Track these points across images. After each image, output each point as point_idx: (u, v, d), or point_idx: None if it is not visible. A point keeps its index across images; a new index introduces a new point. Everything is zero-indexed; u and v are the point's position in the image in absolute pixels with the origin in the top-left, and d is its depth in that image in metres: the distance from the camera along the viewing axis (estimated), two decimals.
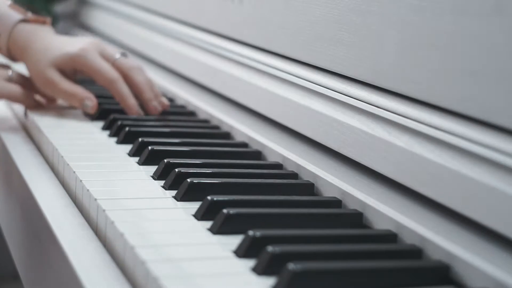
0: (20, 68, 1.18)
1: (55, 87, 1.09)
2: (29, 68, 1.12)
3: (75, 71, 1.12)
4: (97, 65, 1.09)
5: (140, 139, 0.92)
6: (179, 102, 1.19)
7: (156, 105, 1.10)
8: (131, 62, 1.13)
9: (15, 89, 1.10)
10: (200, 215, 0.71)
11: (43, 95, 1.13)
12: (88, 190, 0.77)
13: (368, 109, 0.79)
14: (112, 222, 0.68)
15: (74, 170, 0.82)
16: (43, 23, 1.15)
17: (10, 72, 1.12)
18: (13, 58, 1.15)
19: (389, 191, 0.74)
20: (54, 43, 1.12)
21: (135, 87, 1.10)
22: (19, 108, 1.15)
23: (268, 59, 1.02)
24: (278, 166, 0.88)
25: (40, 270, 0.79)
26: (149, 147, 0.89)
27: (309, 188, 0.81)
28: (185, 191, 0.76)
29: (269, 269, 0.60)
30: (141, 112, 1.09)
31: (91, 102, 1.08)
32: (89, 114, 1.10)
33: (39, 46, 1.11)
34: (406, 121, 0.74)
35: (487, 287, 0.58)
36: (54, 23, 1.90)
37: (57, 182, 0.87)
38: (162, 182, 0.81)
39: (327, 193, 0.79)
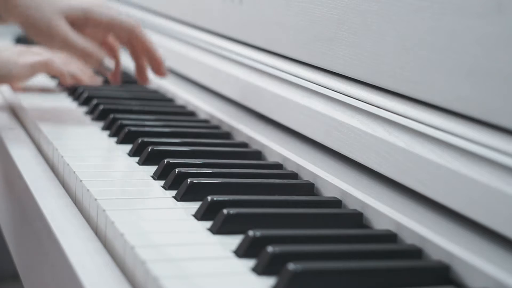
0: None
1: (66, 40, 1.02)
2: (29, 17, 1.01)
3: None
4: (114, 14, 1.07)
5: (140, 139, 0.92)
6: (179, 102, 1.19)
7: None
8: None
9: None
10: (200, 215, 0.71)
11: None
12: (88, 190, 0.77)
13: (368, 109, 0.79)
14: (112, 222, 0.68)
15: (74, 170, 0.82)
16: None
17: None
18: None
19: (389, 191, 0.74)
20: None
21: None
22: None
23: (268, 59, 1.02)
24: (278, 166, 0.88)
25: (40, 270, 0.79)
26: (149, 147, 0.89)
27: (309, 188, 0.81)
28: (185, 191, 0.76)
29: (269, 269, 0.60)
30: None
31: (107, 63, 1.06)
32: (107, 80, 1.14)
33: None
34: (406, 121, 0.74)
35: (487, 287, 0.58)
36: None
37: (57, 182, 0.87)
38: (162, 182, 0.81)
39: (327, 193, 0.79)
